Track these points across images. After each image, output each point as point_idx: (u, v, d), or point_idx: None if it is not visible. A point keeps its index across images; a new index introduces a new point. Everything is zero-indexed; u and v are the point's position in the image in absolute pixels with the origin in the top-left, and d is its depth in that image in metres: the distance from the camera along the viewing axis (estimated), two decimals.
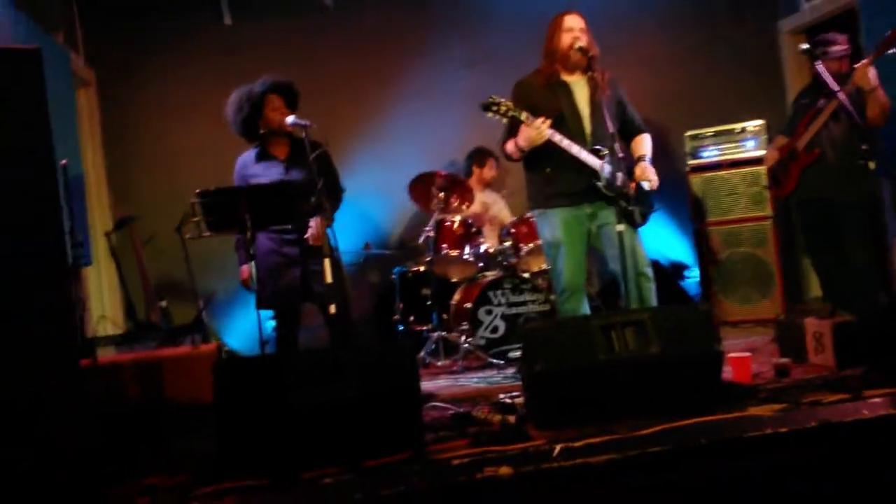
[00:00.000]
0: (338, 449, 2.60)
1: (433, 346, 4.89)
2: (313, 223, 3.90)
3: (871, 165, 4.14)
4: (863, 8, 5.36)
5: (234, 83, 4.18)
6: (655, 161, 3.88)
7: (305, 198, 3.77)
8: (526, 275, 4.88)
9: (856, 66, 4.16)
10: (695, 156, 5.70)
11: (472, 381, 4.24)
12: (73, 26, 5.49)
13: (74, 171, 4.61)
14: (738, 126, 5.59)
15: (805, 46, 4.29)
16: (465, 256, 4.96)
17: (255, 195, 3.62)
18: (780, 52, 6.36)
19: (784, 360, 3.50)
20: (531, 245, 4.88)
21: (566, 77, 3.75)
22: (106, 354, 3.57)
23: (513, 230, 4.99)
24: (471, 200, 5.18)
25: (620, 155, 3.51)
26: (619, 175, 3.52)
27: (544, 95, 3.70)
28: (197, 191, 3.48)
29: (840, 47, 4.35)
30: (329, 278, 3.45)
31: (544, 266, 4.97)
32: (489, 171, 5.60)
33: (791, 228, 5.52)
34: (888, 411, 2.58)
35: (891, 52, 4.09)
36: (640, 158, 3.82)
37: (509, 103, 3.56)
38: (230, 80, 4.17)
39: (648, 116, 4.01)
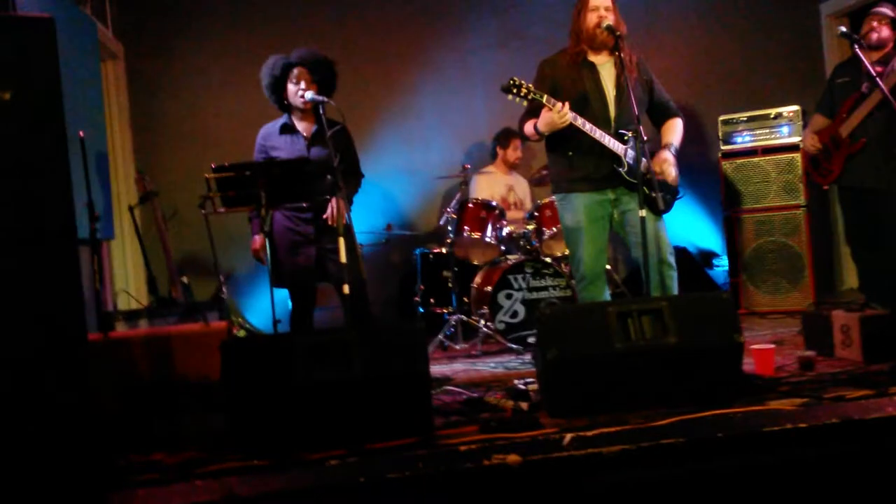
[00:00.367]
0: (344, 431, 2.58)
1: (452, 329, 4.85)
2: (331, 204, 3.86)
3: None
4: None
5: (264, 58, 4.15)
6: (687, 146, 3.76)
7: (323, 176, 3.73)
8: (548, 259, 4.81)
9: None
10: (728, 141, 5.55)
11: (490, 365, 4.19)
12: None
13: (97, 143, 4.62)
14: (772, 111, 5.43)
15: (843, 30, 4.13)
16: (487, 239, 4.89)
17: (271, 171, 3.59)
18: (820, 36, 6.16)
19: (809, 352, 3.39)
20: (554, 229, 4.81)
21: (593, 57, 3.64)
22: (125, 329, 3.57)
23: (536, 213, 4.91)
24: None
25: (645, 139, 3.39)
26: (644, 160, 3.42)
27: (569, 75, 3.61)
28: (212, 165, 3.45)
29: (882, 28, 4.18)
30: (343, 258, 3.40)
31: (567, 251, 4.89)
32: (514, 153, 5.52)
33: (826, 218, 5.38)
34: None
35: None
36: (666, 146, 3.69)
37: (530, 86, 3.46)
38: (260, 55, 4.14)
39: (681, 100, 3.89)
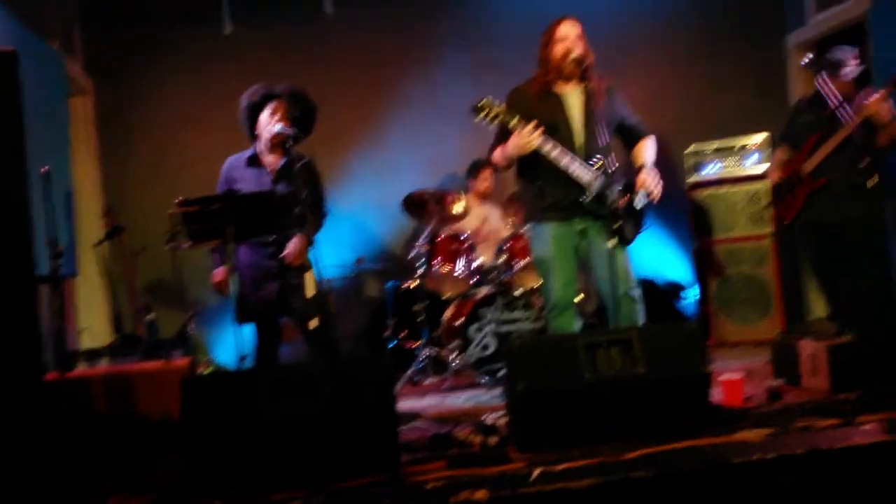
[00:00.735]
0: (309, 468, 2.53)
1: (423, 364, 4.81)
2: (292, 241, 3.84)
3: (872, 181, 4.05)
4: (872, 22, 5.26)
5: (235, 93, 4.14)
6: (659, 172, 3.76)
7: (290, 210, 3.71)
8: (519, 291, 4.79)
9: (867, 100, 4.06)
10: (696, 171, 5.61)
11: (460, 400, 4.15)
12: (72, 34, 5.48)
13: (62, 178, 4.56)
14: (740, 142, 5.50)
15: (808, 59, 4.21)
16: (458, 272, 4.87)
17: (238, 204, 3.56)
18: (786, 67, 6.27)
19: (777, 382, 3.40)
20: (525, 261, 4.79)
21: (560, 87, 3.66)
22: (86, 368, 3.50)
23: (507, 245, 4.90)
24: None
25: (614, 168, 3.40)
26: (611, 190, 3.43)
27: (537, 105, 3.61)
28: (177, 200, 3.41)
29: (851, 68, 4.25)
30: (311, 291, 3.37)
31: (538, 283, 4.88)
32: (483, 183, 5.52)
33: (793, 248, 5.42)
34: (882, 437, 2.49)
35: None
36: (641, 168, 3.68)
37: (500, 107, 3.47)
38: (230, 90, 4.14)
39: (650, 130, 3.90)
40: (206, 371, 4.67)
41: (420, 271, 4.88)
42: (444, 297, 5.01)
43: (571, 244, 3.62)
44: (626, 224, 3.49)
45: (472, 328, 4.65)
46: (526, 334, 4.64)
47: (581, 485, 2.32)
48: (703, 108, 6.10)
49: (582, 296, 4.76)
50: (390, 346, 5.01)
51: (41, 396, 2.22)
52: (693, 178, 5.60)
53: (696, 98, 6.13)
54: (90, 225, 5.31)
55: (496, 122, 3.45)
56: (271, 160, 4.02)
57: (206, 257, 4.20)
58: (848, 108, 4.07)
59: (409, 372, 4.68)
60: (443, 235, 4.92)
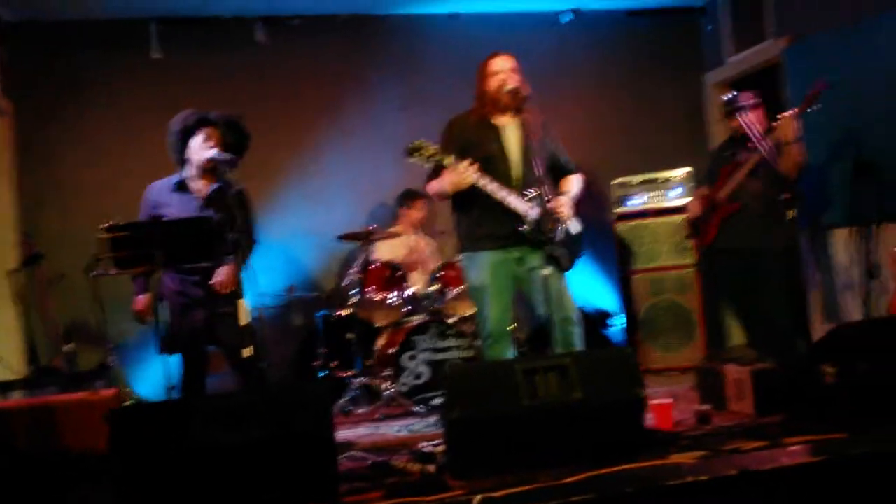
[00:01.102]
0: (246, 499, 2.45)
1: (355, 393, 4.75)
2: (222, 269, 3.76)
3: (791, 214, 4.24)
4: (786, 63, 5.56)
5: (161, 119, 4.06)
6: (583, 207, 3.86)
7: (223, 237, 3.63)
8: (452, 319, 4.80)
9: (780, 116, 4.27)
10: (622, 203, 5.77)
11: (394, 429, 4.11)
12: None
13: None
14: (663, 175, 5.69)
15: (727, 98, 4.40)
16: (391, 300, 4.86)
17: (169, 230, 3.47)
18: (704, 104, 6.53)
19: (705, 406, 3.49)
20: (458, 289, 4.82)
21: (497, 119, 3.72)
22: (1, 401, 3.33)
23: (441, 273, 4.92)
24: None
25: (549, 197, 3.47)
26: (547, 219, 3.49)
27: (475, 135, 3.67)
28: (105, 224, 3.30)
29: (749, 100, 4.47)
30: (244, 320, 3.30)
31: (470, 311, 4.90)
32: (418, 213, 5.54)
33: (713, 277, 5.61)
34: (807, 459, 2.58)
35: (813, 108, 4.22)
36: (561, 194, 3.76)
37: (434, 148, 3.50)
38: (157, 116, 4.05)
39: (577, 162, 4.00)
40: (127, 404, 4.49)
41: (353, 299, 4.84)
42: (376, 326, 4.97)
43: (508, 272, 3.66)
44: (563, 252, 3.55)
45: (405, 357, 4.62)
46: (462, 362, 4.64)
47: None
48: (629, 143, 6.29)
49: (514, 325, 4.80)
50: (321, 375, 4.93)
51: None
52: (619, 210, 5.76)
53: (623, 132, 6.33)
54: (4, 251, 5.08)
55: (431, 161, 3.48)
56: (200, 186, 3.94)
57: (127, 286, 4.08)
58: (765, 139, 4.26)
59: (341, 402, 4.61)
60: (376, 264, 4.90)
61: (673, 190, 5.66)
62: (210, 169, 3.92)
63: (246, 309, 3.39)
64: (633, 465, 2.65)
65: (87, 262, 4.10)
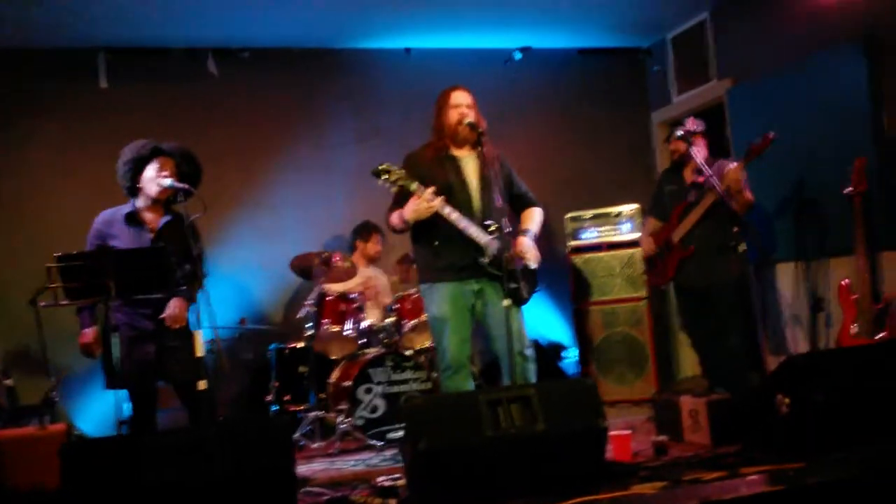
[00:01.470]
0: None
1: (309, 428, 4.66)
2: (173, 303, 3.69)
3: (742, 248, 4.35)
4: (729, 103, 5.75)
5: (108, 148, 3.98)
6: (540, 241, 3.90)
7: (177, 268, 3.56)
8: (408, 352, 4.77)
9: (729, 168, 4.39)
10: (575, 237, 5.85)
11: (350, 463, 4.04)
12: None
13: None
14: (615, 210, 5.79)
15: (683, 132, 4.51)
16: (347, 332, 4.81)
17: (122, 260, 3.38)
18: (651, 141, 6.70)
19: (662, 437, 3.53)
20: (414, 321, 4.80)
21: (455, 151, 3.75)
22: None
23: (396, 306, 4.90)
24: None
25: (508, 230, 3.49)
26: (506, 251, 3.51)
27: (433, 169, 3.68)
28: (56, 254, 3.20)
29: (697, 127, 4.59)
30: (200, 352, 3.22)
31: (427, 343, 4.89)
32: (374, 247, 5.52)
33: (664, 310, 5.72)
34: (766, 488, 2.62)
35: (760, 158, 4.36)
36: (523, 232, 3.79)
37: (401, 172, 3.51)
38: (103, 145, 3.98)
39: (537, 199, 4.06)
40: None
41: (307, 332, 4.77)
42: (332, 358, 4.90)
43: (467, 303, 3.66)
44: (521, 285, 3.57)
45: (361, 390, 4.56)
46: (418, 395, 4.60)
47: None
48: (578, 178, 6.41)
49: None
50: (273, 409, 4.82)
51: None
52: (573, 243, 5.83)
53: (572, 168, 6.44)
54: None
55: (397, 185, 3.48)
56: (151, 218, 3.87)
57: (70, 318, 3.95)
58: (711, 175, 4.37)
59: (294, 436, 4.51)
60: (331, 296, 4.85)
61: (623, 224, 5.76)
62: (162, 200, 3.85)
63: (200, 341, 3.31)
64: (595, 497, 2.66)
65: (32, 292, 3.97)
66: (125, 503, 2.33)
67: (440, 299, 3.64)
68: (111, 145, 4.01)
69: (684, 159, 4.59)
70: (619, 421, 4.58)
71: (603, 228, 5.79)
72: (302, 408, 4.81)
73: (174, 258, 3.58)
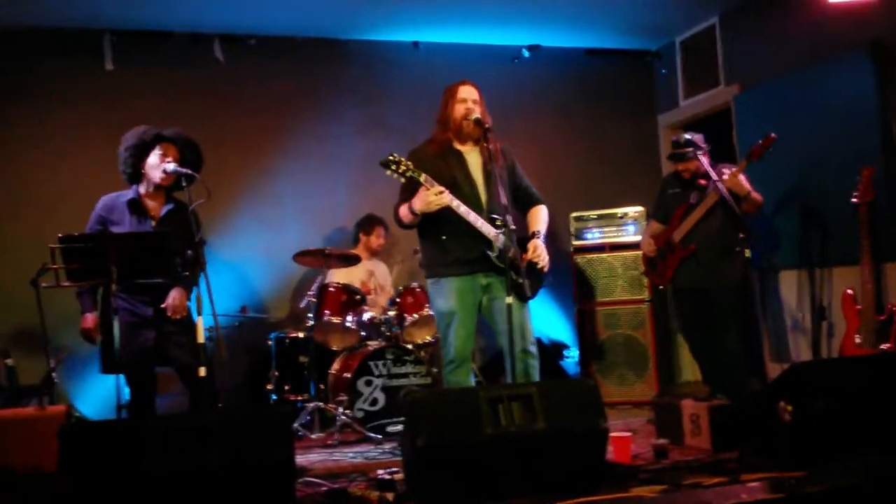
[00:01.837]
0: None
1: (308, 418, 4.65)
2: (174, 293, 3.69)
3: (747, 254, 4.34)
4: (736, 108, 5.73)
5: (112, 131, 3.98)
6: (545, 239, 3.88)
7: (179, 255, 3.55)
8: (409, 346, 4.76)
9: (726, 172, 4.38)
10: (579, 237, 5.83)
11: (349, 455, 4.03)
12: None
13: None
14: (619, 211, 5.78)
15: (687, 139, 4.50)
16: (348, 324, 4.79)
17: (125, 244, 3.36)
18: (658, 144, 6.68)
19: (662, 440, 3.52)
20: (416, 315, 4.80)
21: (459, 146, 3.74)
22: None
23: (398, 300, 4.89)
24: None
25: (513, 226, 3.48)
26: (512, 246, 3.50)
27: (437, 163, 3.66)
28: (59, 235, 3.18)
29: (703, 143, 4.60)
30: (200, 338, 3.21)
31: (428, 338, 4.88)
32: (377, 240, 5.51)
33: (666, 312, 5.71)
34: (766, 496, 2.61)
35: (761, 159, 4.35)
36: (534, 235, 3.78)
37: (409, 163, 3.49)
38: (107, 127, 3.97)
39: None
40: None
41: (308, 322, 4.76)
42: (332, 349, 4.89)
43: (475, 298, 3.65)
44: (527, 280, 3.56)
45: (361, 382, 4.55)
46: (418, 389, 4.59)
47: None
48: (584, 178, 6.40)
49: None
50: (273, 398, 4.82)
51: None
52: (577, 243, 5.82)
53: (578, 168, 6.43)
54: None
55: (406, 175, 3.46)
56: (153, 205, 3.88)
57: (70, 299, 3.94)
58: (717, 180, 4.36)
59: (294, 425, 4.50)
60: (334, 287, 4.83)
61: (628, 226, 5.75)
62: (164, 187, 3.84)
63: (201, 327, 3.31)
64: (594, 498, 2.65)
65: (27, 273, 3.96)
66: (123, 487, 2.31)
67: (448, 293, 3.63)
68: (116, 128, 4.01)
69: (695, 175, 4.58)
70: (619, 423, 4.58)
71: (607, 229, 5.78)
72: (301, 398, 4.80)
73: (176, 244, 3.57)
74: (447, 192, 3.48)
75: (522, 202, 3.93)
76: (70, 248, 3.22)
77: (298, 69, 5.97)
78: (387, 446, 4.19)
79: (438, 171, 3.61)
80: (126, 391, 3.73)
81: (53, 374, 4.08)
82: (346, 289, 4.85)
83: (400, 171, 3.45)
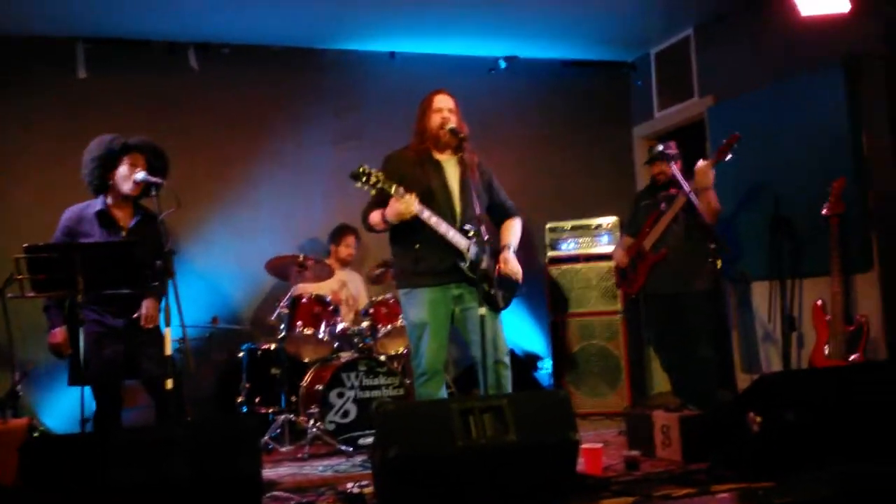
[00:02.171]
0: None
1: (278, 430, 4.60)
2: (145, 303, 3.67)
3: (718, 264, 4.36)
4: (710, 119, 5.78)
5: (85, 139, 3.91)
6: (518, 250, 3.86)
7: (148, 264, 3.51)
8: (382, 357, 4.73)
9: (698, 164, 4.43)
10: (553, 247, 5.84)
11: (318, 468, 3.99)
12: None
13: None
14: (594, 221, 5.80)
15: (660, 148, 4.54)
16: (321, 335, 4.75)
17: (92, 254, 3.31)
18: (633, 155, 6.72)
19: (634, 452, 3.51)
20: (389, 326, 4.77)
21: (438, 155, 3.73)
22: None
23: (371, 310, 4.86)
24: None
25: (486, 237, 3.47)
26: (485, 257, 3.49)
27: (414, 171, 3.65)
28: (25, 245, 3.13)
29: (675, 150, 4.65)
30: (168, 350, 3.17)
31: (401, 349, 4.85)
32: (346, 250, 5.47)
33: (639, 324, 5.73)
34: None
35: (728, 158, 4.39)
36: (505, 247, 3.78)
37: (380, 174, 3.47)
38: (79, 136, 3.91)
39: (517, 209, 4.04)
40: (35, 435, 4.22)
41: (280, 333, 4.72)
42: (304, 361, 4.84)
43: (446, 310, 3.64)
44: (500, 291, 3.55)
45: (333, 394, 4.51)
46: (390, 401, 4.55)
47: None
48: (559, 188, 6.41)
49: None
50: (243, 411, 4.76)
51: None
52: (552, 253, 5.83)
53: (553, 178, 6.44)
54: None
55: (376, 188, 3.44)
56: (122, 216, 3.83)
57: (35, 310, 3.87)
58: (690, 192, 4.39)
59: (264, 438, 4.46)
60: (306, 298, 4.80)
61: (602, 237, 5.77)
62: (133, 196, 3.79)
63: (168, 339, 3.26)
64: None
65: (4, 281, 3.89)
66: (85, 502, 2.27)
67: (419, 304, 3.61)
68: (88, 136, 3.94)
69: (669, 181, 4.62)
70: (592, 434, 4.58)
71: (582, 240, 5.80)
72: (272, 410, 4.75)
73: (145, 255, 3.52)
74: (417, 202, 3.47)
75: (499, 216, 3.94)
76: (36, 258, 3.16)
77: (274, 78, 5.95)
78: (358, 459, 4.15)
79: (415, 179, 3.60)
80: (92, 404, 3.67)
81: (18, 388, 4.00)
82: (319, 300, 4.81)
83: (371, 182, 3.43)
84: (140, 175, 3.67)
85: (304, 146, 5.96)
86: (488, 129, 5.76)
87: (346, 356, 4.71)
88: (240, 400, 4.79)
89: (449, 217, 3.60)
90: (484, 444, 2.73)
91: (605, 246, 5.72)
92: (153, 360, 3.65)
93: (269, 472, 3.85)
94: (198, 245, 5.48)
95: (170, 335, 3.22)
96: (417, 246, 3.60)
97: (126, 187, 3.75)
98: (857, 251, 4.58)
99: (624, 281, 4.85)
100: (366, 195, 3.62)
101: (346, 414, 4.53)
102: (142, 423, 4.49)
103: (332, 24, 5.61)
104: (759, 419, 3.04)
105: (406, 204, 3.43)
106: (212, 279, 5.60)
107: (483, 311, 3.31)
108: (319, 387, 4.51)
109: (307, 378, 4.72)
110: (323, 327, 4.77)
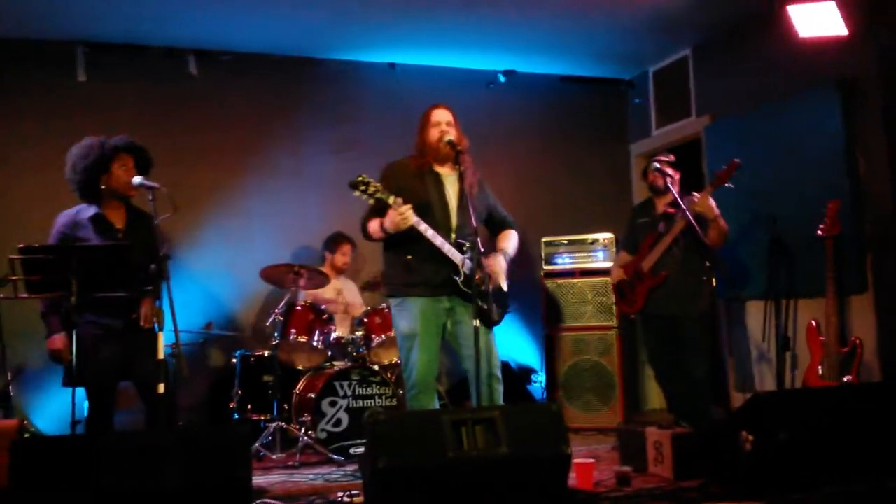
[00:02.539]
0: None
1: (270, 438, 4.58)
2: (145, 304, 3.67)
3: (713, 282, 4.37)
4: (707, 138, 5.81)
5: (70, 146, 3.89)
6: (514, 263, 3.88)
7: (143, 267, 3.50)
8: (375, 367, 4.72)
9: (695, 197, 4.43)
10: (549, 261, 5.85)
11: (309, 477, 3.98)
12: None
13: None
14: (590, 237, 5.81)
15: (657, 165, 4.55)
16: (314, 343, 4.74)
17: (87, 256, 3.30)
18: (630, 172, 6.74)
19: (625, 468, 3.51)
20: (383, 336, 4.76)
21: (438, 168, 3.75)
22: None
23: (366, 320, 4.85)
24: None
25: (482, 250, 3.47)
26: (480, 272, 3.49)
27: (415, 181, 3.67)
28: (19, 245, 3.12)
29: (671, 159, 4.65)
30: (161, 354, 3.16)
31: (395, 359, 4.84)
32: (341, 258, 5.48)
33: (633, 340, 5.73)
34: None
35: (727, 185, 4.39)
36: (500, 251, 3.80)
37: (379, 185, 3.48)
38: (78, 139, 3.89)
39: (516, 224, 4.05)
40: (25, 436, 4.20)
41: (275, 341, 4.71)
42: (298, 369, 4.83)
43: (438, 322, 3.63)
44: (492, 306, 3.55)
45: (325, 402, 4.50)
46: (383, 411, 4.54)
47: None
48: (555, 203, 6.43)
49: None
50: (235, 418, 4.74)
51: None
52: (548, 267, 5.83)
53: (550, 193, 6.46)
54: None
55: (374, 197, 3.45)
56: (116, 219, 3.82)
57: (29, 311, 3.86)
58: (682, 205, 4.40)
59: (255, 445, 4.44)
60: (300, 305, 4.79)
61: (598, 252, 5.78)
62: (124, 198, 3.79)
63: (161, 343, 3.25)
64: None
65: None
66: None
67: (411, 315, 3.60)
68: (70, 144, 3.92)
69: (661, 191, 4.62)
70: (584, 449, 4.58)
71: (578, 255, 5.81)
72: (264, 417, 4.74)
73: (140, 258, 3.51)
74: (414, 213, 3.47)
75: (496, 228, 3.96)
76: (31, 259, 3.15)
77: (272, 86, 5.96)
78: (349, 468, 4.14)
79: (413, 190, 3.61)
80: (84, 406, 3.66)
81: (10, 388, 3.99)
82: (314, 308, 4.81)
83: (369, 192, 3.44)
84: (137, 180, 3.66)
85: (302, 155, 5.97)
86: (486, 142, 5.75)
87: (339, 365, 4.70)
88: (232, 406, 4.77)
89: (445, 230, 3.61)
90: (475, 457, 2.72)
91: (600, 261, 5.73)
92: (147, 365, 3.62)
93: (259, 480, 3.83)
94: (192, 250, 5.48)
95: (162, 340, 3.21)
96: (410, 257, 3.61)
97: (125, 191, 3.75)
98: (853, 272, 4.60)
99: (623, 301, 4.85)
100: (362, 204, 3.63)
101: (338, 423, 4.52)
102: (134, 426, 4.48)
103: (332, 35, 5.63)
104: (751, 438, 3.04)
105: (403, 216, 3.44)
106: (206, 284, 5.59)
107: (476, 324, 3.31)
108: (312, 395, 4.50)
109: (300, 386, 4.71)
110: (317, 335, 4.76)
